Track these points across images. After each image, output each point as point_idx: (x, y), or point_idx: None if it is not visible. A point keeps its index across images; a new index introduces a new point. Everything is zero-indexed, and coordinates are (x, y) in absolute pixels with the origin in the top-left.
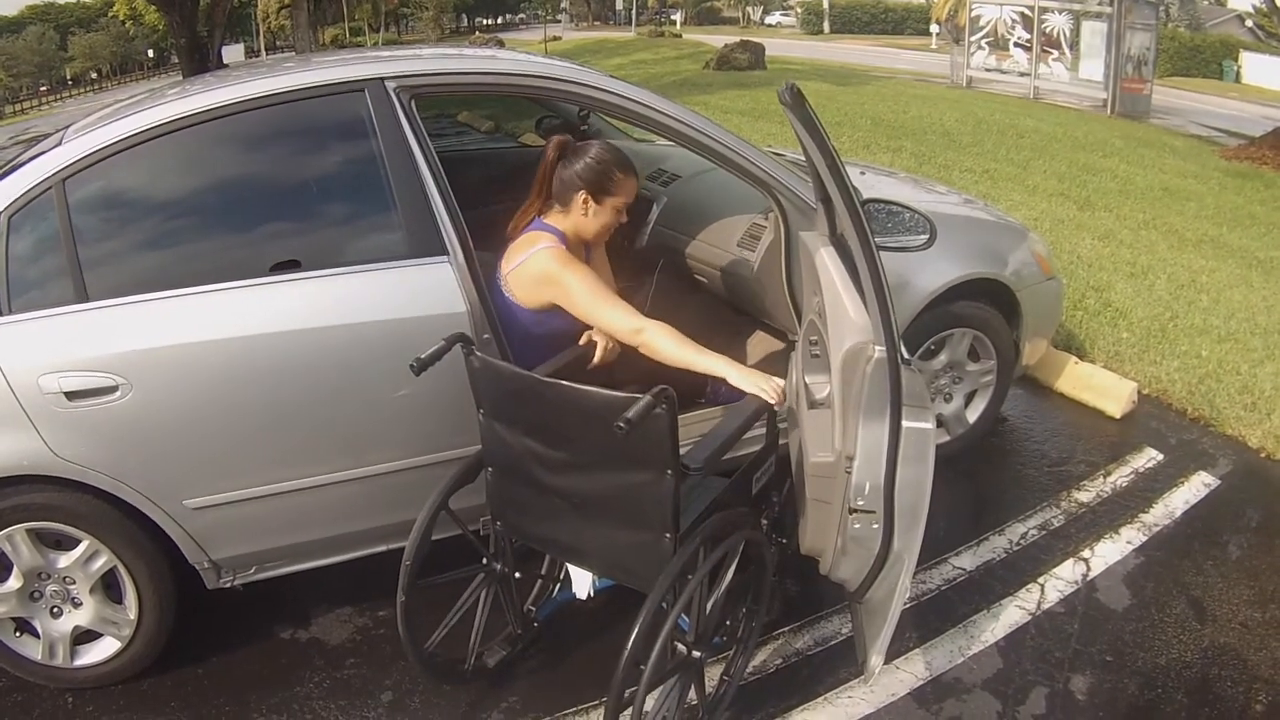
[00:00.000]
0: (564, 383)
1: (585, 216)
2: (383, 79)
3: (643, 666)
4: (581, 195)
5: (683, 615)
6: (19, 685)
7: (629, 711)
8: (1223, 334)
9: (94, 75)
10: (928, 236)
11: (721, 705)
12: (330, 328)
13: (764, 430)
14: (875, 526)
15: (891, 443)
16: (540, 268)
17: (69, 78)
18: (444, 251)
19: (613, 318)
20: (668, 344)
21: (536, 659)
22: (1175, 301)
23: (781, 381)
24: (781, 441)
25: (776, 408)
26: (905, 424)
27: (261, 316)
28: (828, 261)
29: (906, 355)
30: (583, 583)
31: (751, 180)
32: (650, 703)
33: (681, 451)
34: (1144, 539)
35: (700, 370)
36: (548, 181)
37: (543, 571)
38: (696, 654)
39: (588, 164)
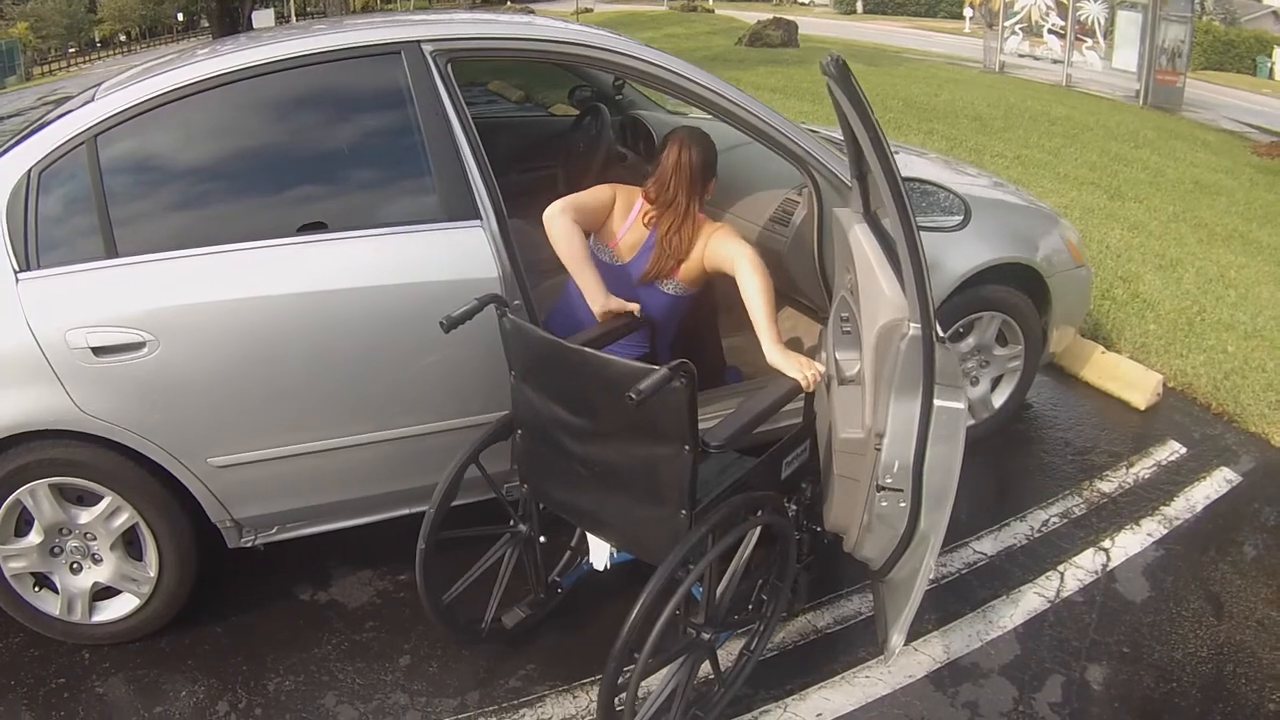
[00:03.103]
0: (588, 350)
1: (708, 198)
2: (419, 42)
3: (637, 655)
4: (713, 182)
5: (698, 588)
6: (36, 640)
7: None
8: (1250, 330)
9: (123, 38)
10: (962, 218)
11: (739, 679)
12: (361, 289)
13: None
14: (902, 505)
15: (923, 421)
16: (722, 227)
17: (98, 40)
18: (477, 216)
19: (746, 245)
20: (760, 283)
21: (556, 628)
22: (1203, 295)
23: (822, 368)
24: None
25: (806, 390)
26: (937, 403)
27: (292, 276)
28: (861, 238)
29: (941, 333)
30: (601, 554)
31: (787, 155)
32: (658, 677)
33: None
34: (1164, 532)
35: (757, 318)
36: (695, 181)
37: (573, 543)
38: (706, 636)
39: (709, 151)
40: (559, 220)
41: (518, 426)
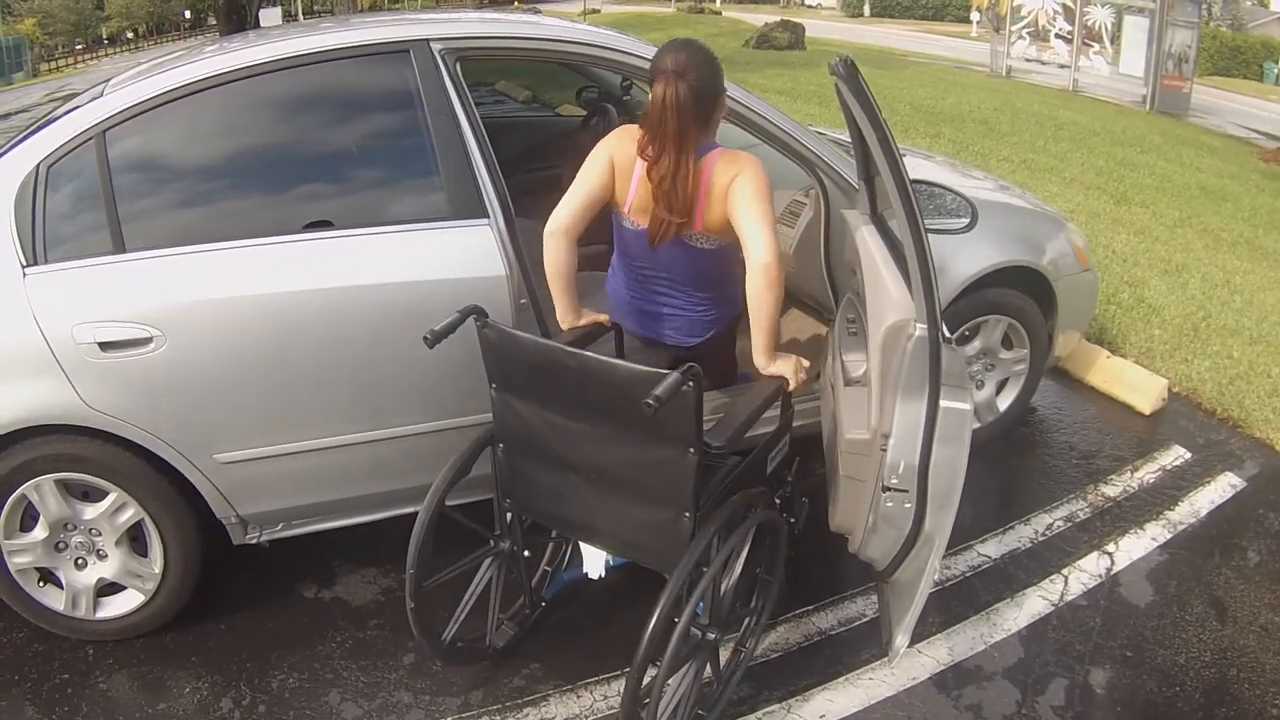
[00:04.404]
0: (589, 354)
1: (718, 118)
2: (428, 40)
3: (658, 662)
4: (723, 98)
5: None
6: (40, 636)
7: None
8: (1255, 336)
9: (130, 35)
10: (968, 220)
11: (735, 677)
12: (368, 286)
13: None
14: (907, 506)
15: (929, 421)
16: (739, 163)
17: (105, 37)
18: (485, 214)
19: (771, 231)
20: (775, 293)
21: (557, 629)
22: (1208, 301)
23: (807, 363)
24: (814, 420)
25: (790, 388)
26: (943, 403)
27: (299, 273)
28: (868, 239)
29: (948, 334)
30: (595, 562)
31: (794, 157)
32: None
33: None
34: (1168, 536)
35: (759, 329)
36: (690, 111)
37: (552, 536)
38: (711, 636)
39: (705, 76)
40: (551, 245)
41: (499, 440)
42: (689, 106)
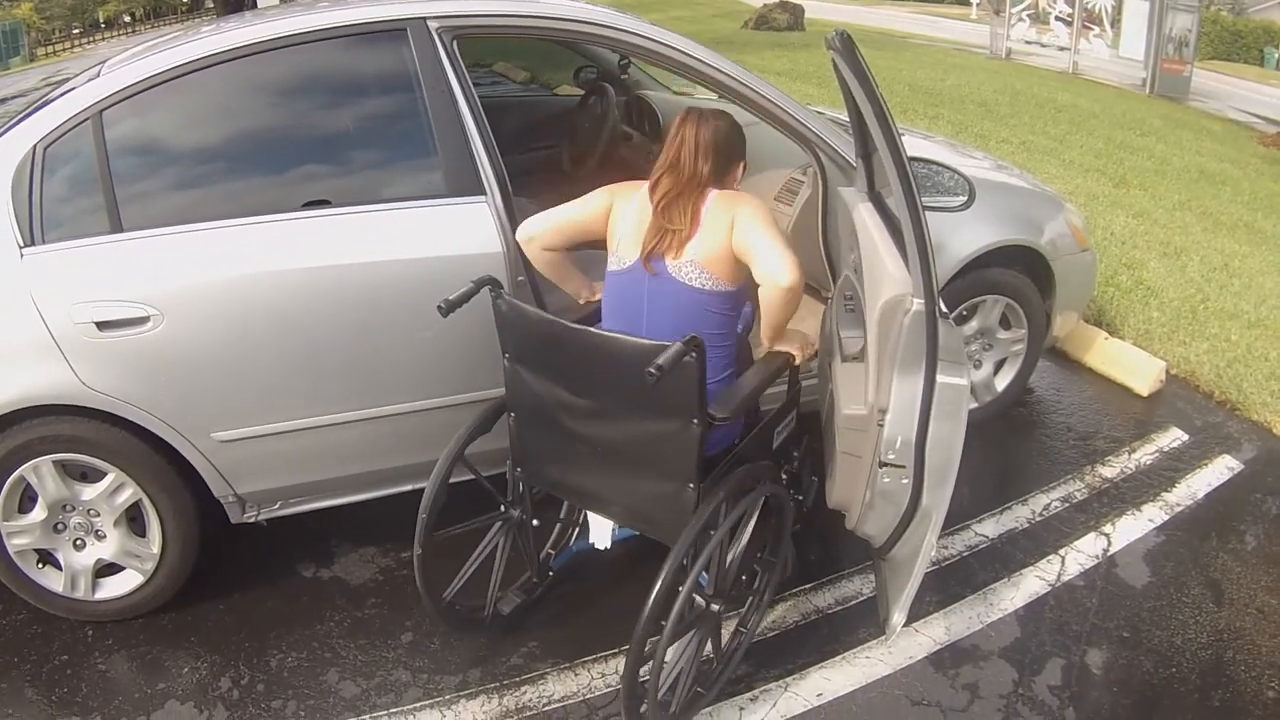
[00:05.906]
0: (593, 329)
1: (737, 185)
2: (425, 19)
3: (663, 622)
4: (740, 165)
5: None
6: (39, 617)
7: (649, 664)
8: (1253, 319)
9: (127, 18)
10: (966, 198)
11: (735, 657)
12: (366, 264)
13: (785, 385)
14: (905, 481)
15: (925, 397)
16: (739, 200)
17: (102, 21)
18: (482, 192)
19: (793, 254)
20: (791, 309)
21: (556, 606)
22: (1207, 284)
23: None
24: (812, 397)
25: (796, 362)
26: (940, 379)
27: (296, 251)
28: (866, 216)
29: (944, 309)
30: (602, 532)
31: (792, 135)
32: (668, 655)
33: None
34: (1165, 518)
35: (769, 327)
36: (707, 157)
37: (560, 518)
38: (715, 607)
39: (735, 128)
40: (526, 249)
41: (511, 410)
42: (707, 147)
